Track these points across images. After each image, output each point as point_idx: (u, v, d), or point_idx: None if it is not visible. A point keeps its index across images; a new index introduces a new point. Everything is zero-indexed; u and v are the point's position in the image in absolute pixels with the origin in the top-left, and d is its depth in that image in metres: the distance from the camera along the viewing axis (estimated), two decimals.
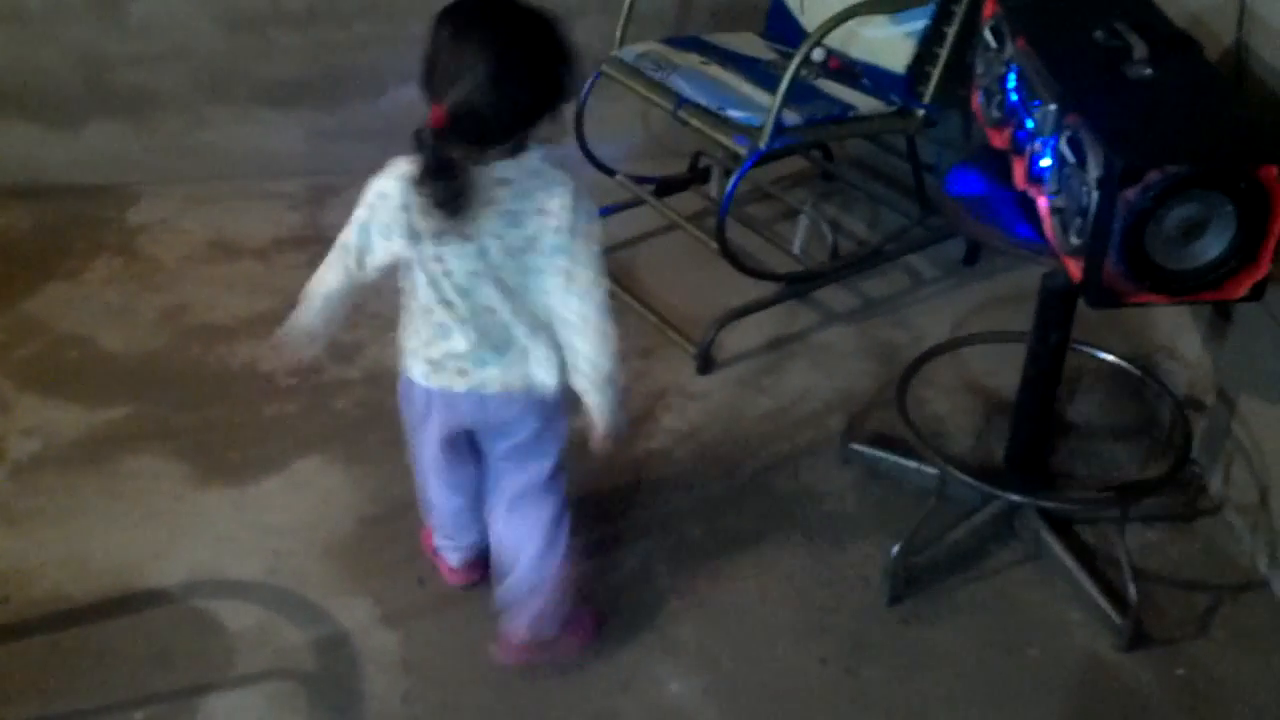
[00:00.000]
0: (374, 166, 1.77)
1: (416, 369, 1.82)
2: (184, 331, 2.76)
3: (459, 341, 1.76)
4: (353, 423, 2.49)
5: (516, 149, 1.66)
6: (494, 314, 1.74)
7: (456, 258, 1.69)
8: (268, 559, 2.19)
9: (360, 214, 1.72)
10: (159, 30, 3.11)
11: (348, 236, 1.75)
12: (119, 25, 3.09)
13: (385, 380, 2.57)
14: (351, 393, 2.57)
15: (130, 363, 2.67)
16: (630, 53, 2.75)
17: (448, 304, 1.73)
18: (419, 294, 1.74)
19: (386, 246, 1.72)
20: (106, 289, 2.90)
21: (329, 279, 1.80)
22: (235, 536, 2.24)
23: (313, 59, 3.19)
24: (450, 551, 2.12)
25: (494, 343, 1.76)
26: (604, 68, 2.76)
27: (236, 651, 2.03)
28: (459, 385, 1.80)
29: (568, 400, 1.86)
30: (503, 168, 1.66)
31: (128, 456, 2.41)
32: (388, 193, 1.68)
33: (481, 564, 2.12)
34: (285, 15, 3.12)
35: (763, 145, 2.44)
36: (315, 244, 3.02)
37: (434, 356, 1.79)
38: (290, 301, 1.86)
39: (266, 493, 2.33)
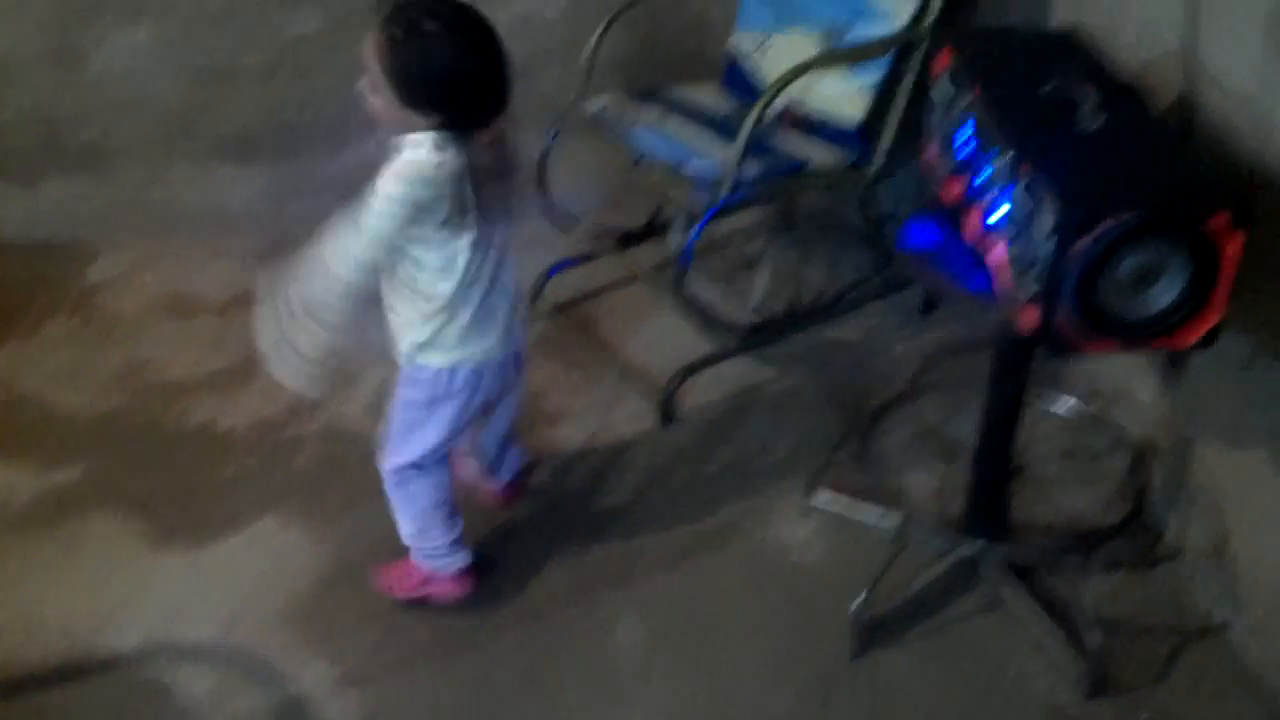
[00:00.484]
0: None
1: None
2: (141, 389, 2.73)
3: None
4: (311, 480, 2.47)
5: None
6: None
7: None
8: (225, 620, 2.16)
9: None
10: (116, 85, 3.10)
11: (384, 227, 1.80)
12: (76, 80, 3.08)
13: (344, 436, 2.57)
14: (310, 449, 2.55)
15: (87, 422, 2.64)
16: (591, 105, 2.77)
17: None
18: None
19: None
20: (64, 347, 2.87)
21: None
22: (192, 598, 2.21)
23: (272, 114, 3.19)
24: (455, 558, 2.15)
25: None
26: (564, 121, 2.77)
27: (193, 717, 1.99)
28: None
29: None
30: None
31: (84, 517, 2.38)
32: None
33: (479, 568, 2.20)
34: (245, 70, 3.12)
35: (722, 198, 2.46)
36: None
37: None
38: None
39: (224, 553, 2.30)
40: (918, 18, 2.60)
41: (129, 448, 2.56)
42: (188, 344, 2.88)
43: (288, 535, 2.35)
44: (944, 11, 2.59)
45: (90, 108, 3.13)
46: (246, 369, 2.77)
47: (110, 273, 3.15)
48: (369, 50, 1.78)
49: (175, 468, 2.51)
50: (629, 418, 2.66)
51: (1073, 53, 2.04)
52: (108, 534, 2.34)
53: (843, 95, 2.69)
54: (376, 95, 1.81)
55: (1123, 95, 1.88)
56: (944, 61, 2.06)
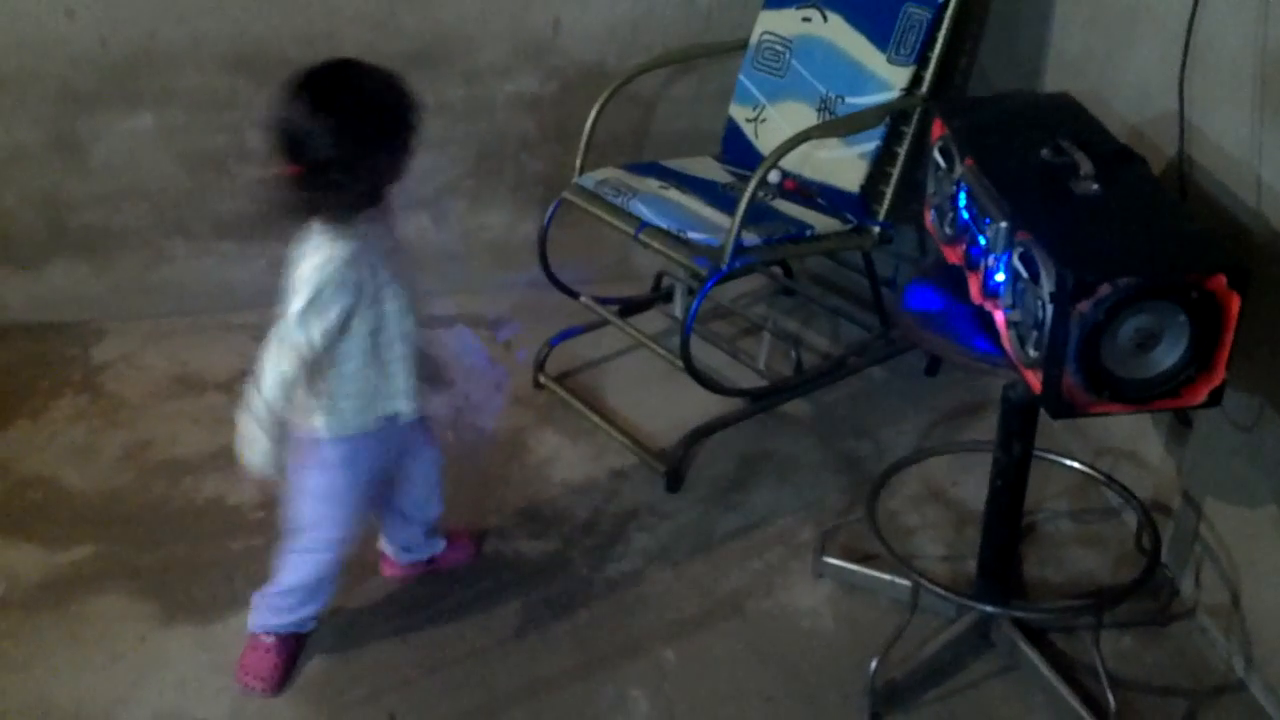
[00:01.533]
0: None
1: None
2: (148, 468, 2.73)
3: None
4: None
5: None
6: None
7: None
8: (234, 700, 2.15)
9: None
10: (120, 170, 3.14)
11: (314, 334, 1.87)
12: (80, 166, 3.12)
13: None
14: None
15: (94, 501, 2.64)
16: (590, 179, 2.80)
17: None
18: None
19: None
20: (70, 428, 2.88)
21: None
22: (201, 677, 2.20)
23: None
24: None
25: None
26: (565, 194, 2.80)
27: None
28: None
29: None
30: None
31: (92, 598, 2.37)
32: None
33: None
34: (247, 152, 3.16)
35: (723, 266, 2.48)
36: None
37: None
38: None
39: (233, 630, 2.29)
40: (912, 85, 2.64)
41: (137, 526, 2.56)
42: (194, 421, 2.89)
43: None
44: (937, 79, 2.63)
45: (94, 192, 3.16)
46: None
47: (116, 353, 3.16)
48: None
49: (183, 545, 2.51)
50: (637, 485, 2.66)
51: (1066, 117, 2.07)
52: (117, 613, 2.34)
53: (841, 162, 2.73)
54: None
55: (1118, 158, 1.90)
56: (939, 129, 2.08)
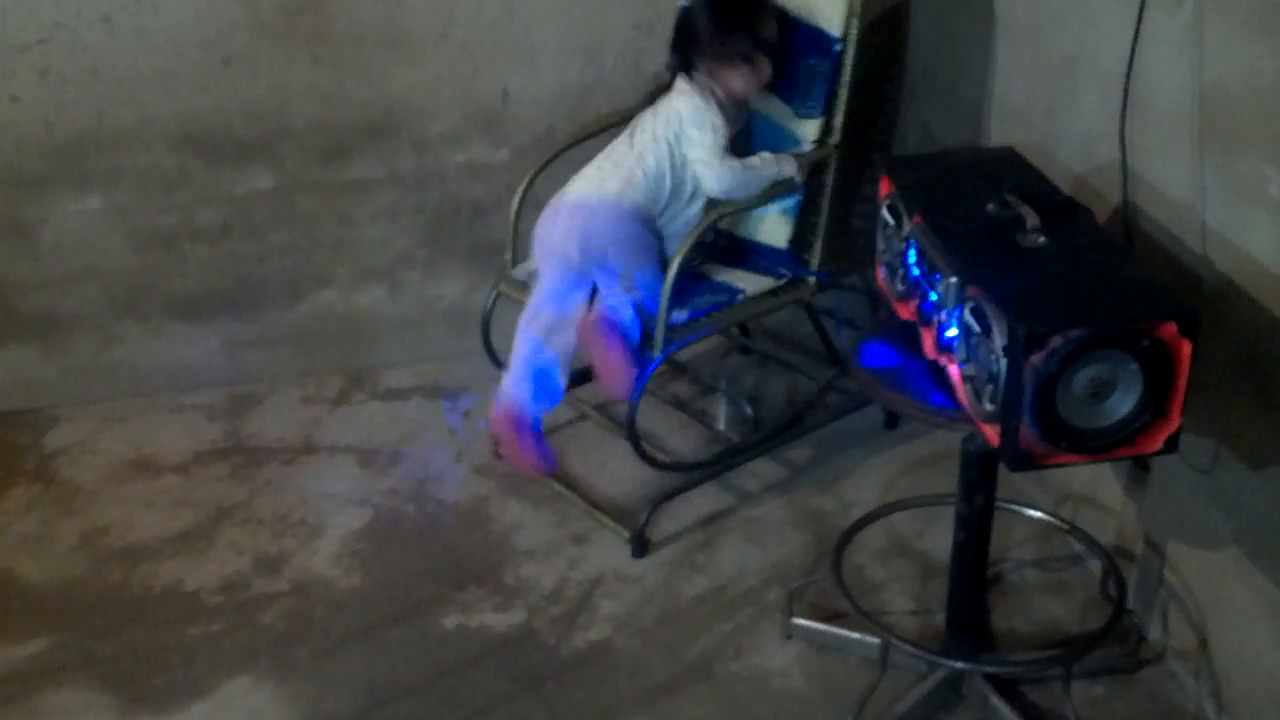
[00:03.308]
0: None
1: None
2: (104, 555, 2.69)
3: None
4: (280, 638, 2.43)
5: None
6: None
7: None
8: None
9: None
10: (70, 253, 3.11)
11: None
12: (29, 250, 3.09)
13: (313, 590, 2.54)
14: (278, 606, 2.51)
15: (50, 592, 2.59)
16: (523, 270, 2.76)
17: None
18: None
19: None
20: (24, 517, 2.82)
21: None
22: None
23: (227, 271, 3.20)
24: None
25: None
26: (500, 287, 2.76)
27: None
28: None
29: None
30: None
31: (50, 691, 2.32)
32: None
33: None
34: (197, 230, 3.14)
35: (657, 354, 2.48)
36: (237, 454, 3.00)
37: None
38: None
39: (195, 719, 2.25)
40: (823, 136, 2.66)
41: (94, 615, 2.51)
42: (150, 505, 2.85)
43: (259, 696, 2.29)
44: (847, 131, 2.65)
45: (43, 276, 3.13)
46: (211, 527, 2.75)
47: (69, 439, 3.12)
48: None
49: (142, 633, 2.46)
50: (602, 551, 2.64)
51: (1011, 170, 2.10)
52: (76, 705, 2.28)
53: (766, 220, 2.75)
54: None
55: (1064, 210, 1.92)
56: (886, 187, 2.10)
